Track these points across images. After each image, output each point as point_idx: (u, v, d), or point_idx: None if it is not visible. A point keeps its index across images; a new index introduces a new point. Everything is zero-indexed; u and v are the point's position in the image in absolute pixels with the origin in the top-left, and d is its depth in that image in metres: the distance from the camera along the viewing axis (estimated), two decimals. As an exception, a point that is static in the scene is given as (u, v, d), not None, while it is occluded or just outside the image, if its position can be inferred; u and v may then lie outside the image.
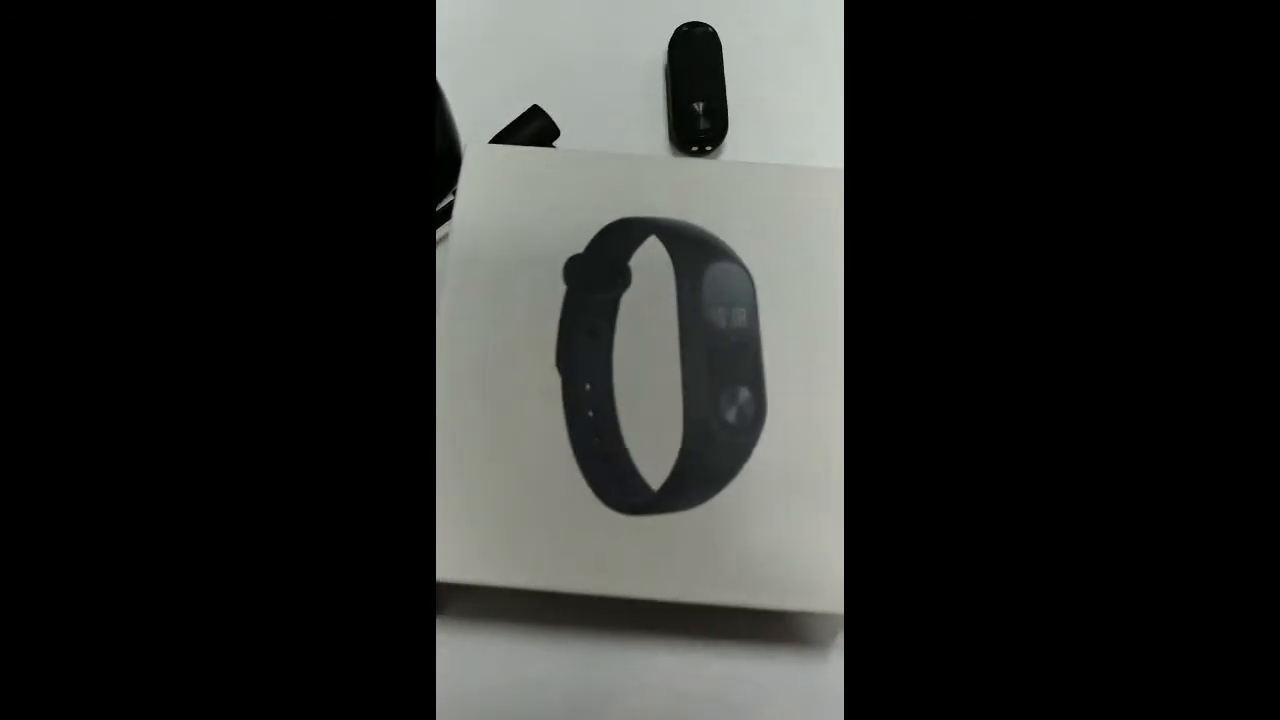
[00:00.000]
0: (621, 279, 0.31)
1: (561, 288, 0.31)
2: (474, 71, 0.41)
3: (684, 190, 0.32)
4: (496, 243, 0.31)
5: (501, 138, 0.38)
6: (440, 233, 0.36)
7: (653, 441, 0.29)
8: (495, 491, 0.29)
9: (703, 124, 0.39)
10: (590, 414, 0.29)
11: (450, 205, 0.33)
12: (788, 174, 0.32)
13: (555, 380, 0.30)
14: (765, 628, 0.34)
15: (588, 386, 0.30)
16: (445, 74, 0.37)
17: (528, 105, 0.39)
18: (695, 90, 0.39)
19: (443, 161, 0.36)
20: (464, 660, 0.33)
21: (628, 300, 0.31)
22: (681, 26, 0.41)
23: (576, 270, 0.31)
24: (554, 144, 0.39)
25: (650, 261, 0.31)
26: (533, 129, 0.37)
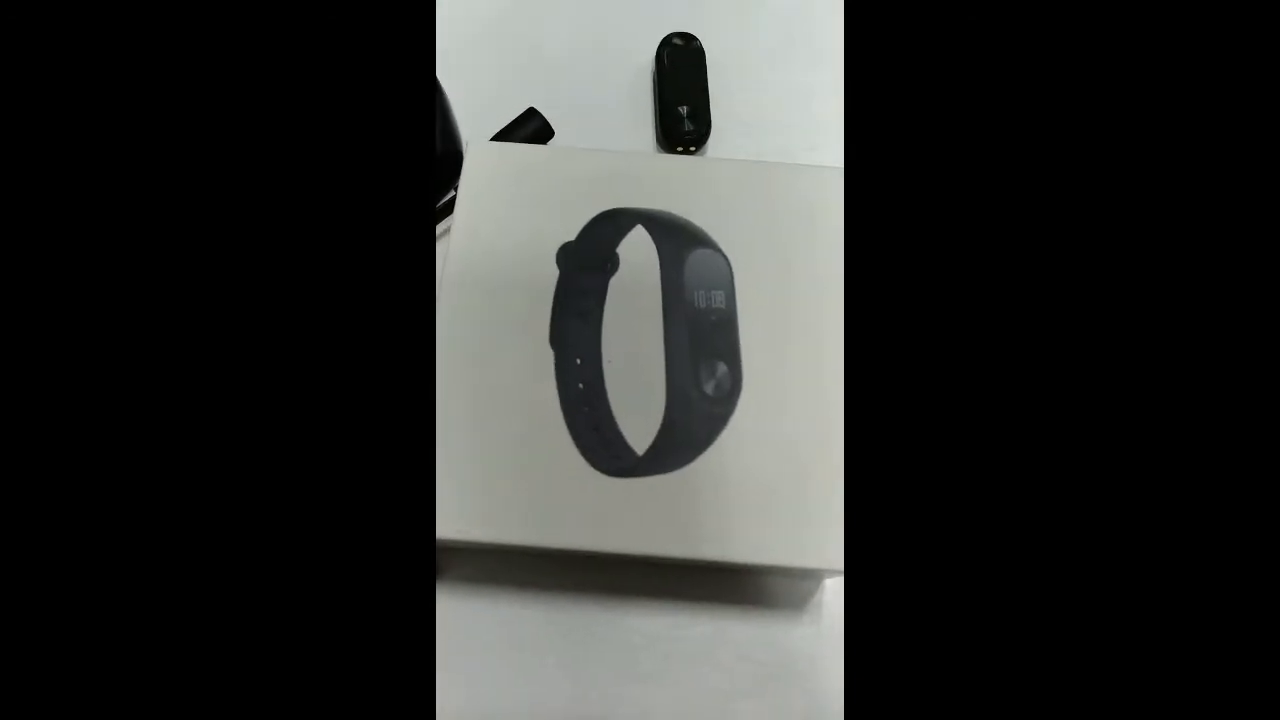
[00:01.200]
0: (610, 264, 0.34)
1: (555, 272, 0.33)
2: (474, 75, 0.44)
3: (669, 184, 0.35)
4: (497, 231, 0.34)
5: (500, 137, 0.40)
6: (446, 224, 0.39)
7: (638, 411, 0.32)
8: (493, 457, 0.31)
9: (687, 126, 0.42)
10: (580, 386, 0.32)
11: (454, 199, 0.35)
12: (764, 170, 0.35)
13: (549, 356, 0.32)
14: (746, 589, 0.36)
15: (578, 361, 0.32)
16: (448, 78, 0.40)
17: (525, 107, 0.41)
18: (680, 95, 0.42)
19: (446, 159, 0.38)
20: (455, 623, 0.35)
21: (616, 283, 0.33)
22: (668, 36, 0.44)
23: (568, 256, 0.34)
24: (549, 143, 0.41)
25: (637, 248, 0.34)
26: (530, 129, 0.40)
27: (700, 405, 0.32)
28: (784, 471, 0.31)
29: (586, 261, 0.34)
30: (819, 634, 0.36)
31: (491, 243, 0.34)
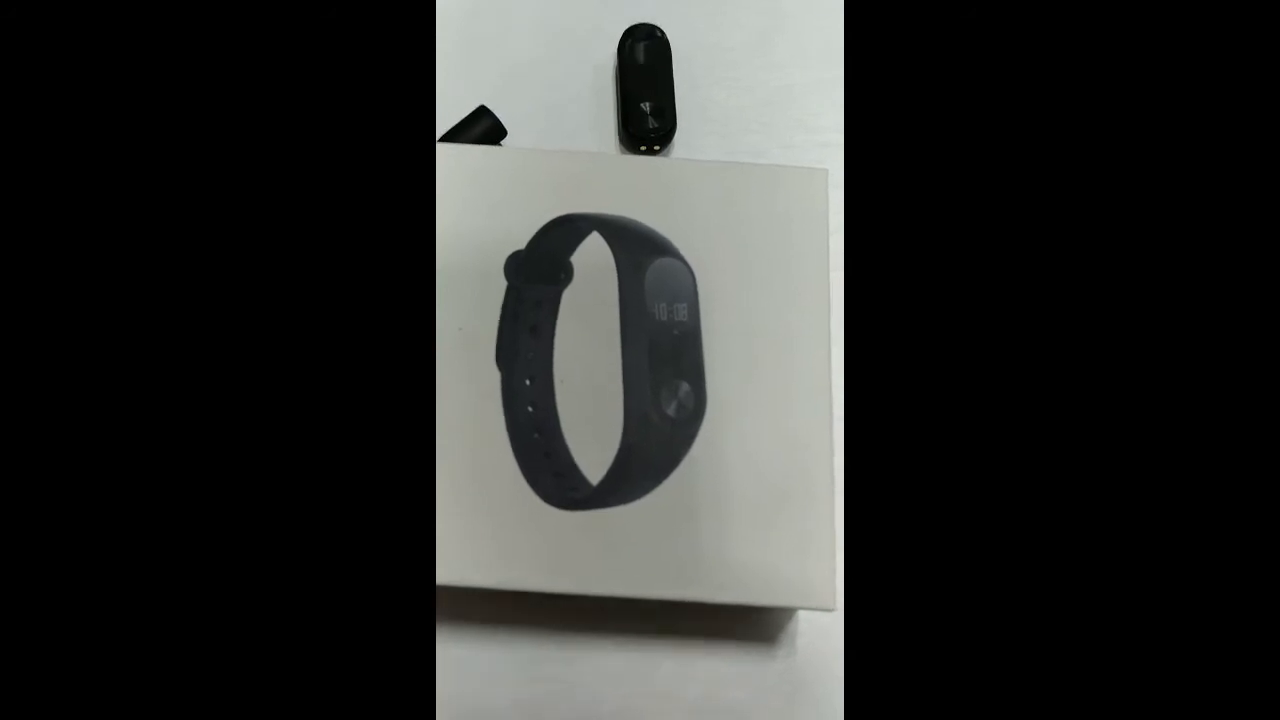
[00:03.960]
0: (563, 275, 0.31)
1: (503, 283, 0.31)
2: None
3: (628, 187, 0.32)
4: (440, 240, 0.31)
5: (448, 138, 0.38)
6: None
7: (593, 436, 0.29)
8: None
9: (651, 123, 0.39)
10: (530, 409, 0.29)
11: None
12: (732, 172, 0.33)
13: (495, 376, 0.30)
14: (714, 623, 0.34)
15: (528, 382, 0.30)
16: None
17: (475, 105, 0.39)
18: (643, 90, 0.40)
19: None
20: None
21: (569, 296, 0.31)
22: (632, 27, 0.41)
23: (518, 266, 0.31)
24: (501, 144, 0.39)
25: (592, 257, 0.31)
26: (480, 129, 0.38)
27: (661, 428, 0.29)
28: (757, 499, 0.29)
29: (537, 272, 0.31)
30: (793, 668, 0.34)
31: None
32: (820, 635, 0.34)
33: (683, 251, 0.31)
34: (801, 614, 0.34)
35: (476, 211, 0.32)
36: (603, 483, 0.29)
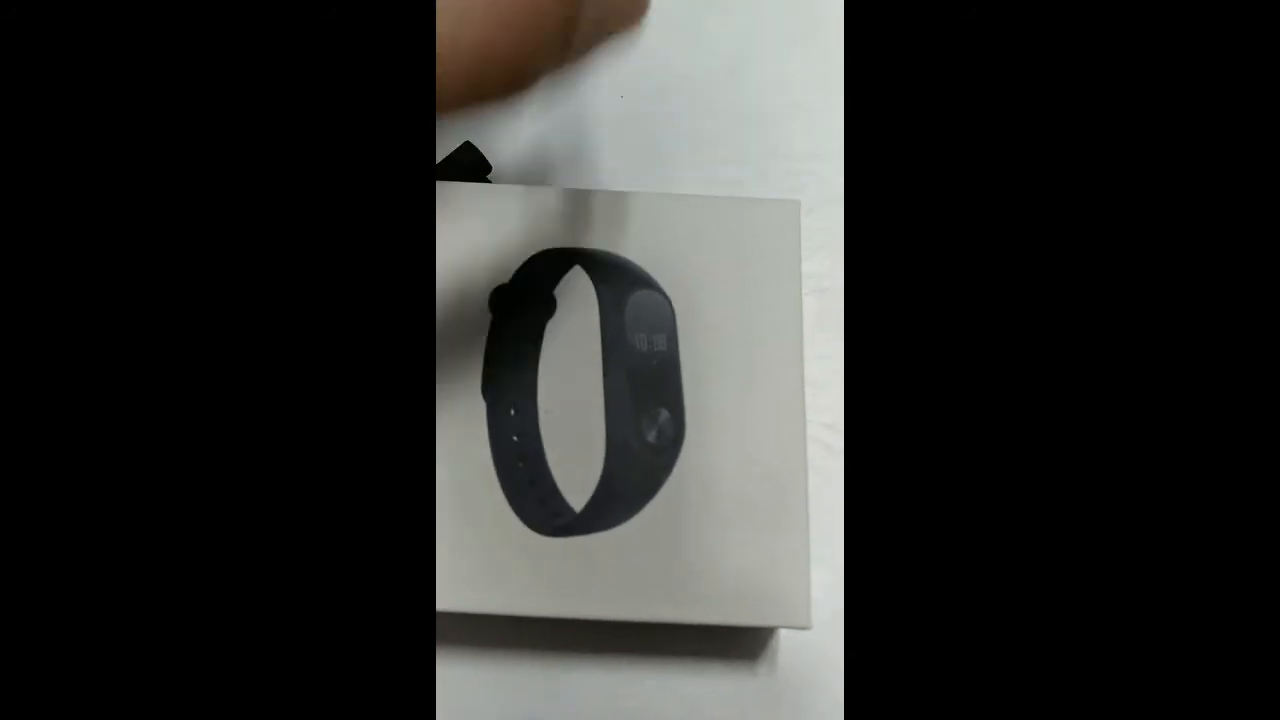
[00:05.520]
0: (547, 307, 0.32)
1: (488, 317, 0.32)
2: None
3: (609, 222, 0.33)
4: (426, 274, 0.32)
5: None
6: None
7: (577, 464, 0.30)
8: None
9: (631, 157, 0.40)
10: (515, 439, 0.30)
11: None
12: (707, 205, 0.34)
13: (480, 407, 0.31)
14: (694, 642, 0.35)
15: (512, 412, 0.31)
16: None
17: (460, 142, 0.40)
18: (624, 125, 0.41)
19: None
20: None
21: (552, 327, 0.32)
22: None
23: (502, 300, 0.32)
24: (487, 179, 0.40)
25: (574, 290, 0.32)
26: (465, 165, 0.39)
27: (642, 455, 0.30)
28: (734, 522, 0.30)
29: (522, 305, 0.32)
30: (774, 686, 0.35)
31: (421, 287, 0.32)
32: (800, 653, 0.35)
33: (661, 283, 0.33)
34: (782, 632, 0.35)
35: (463, 247, 0.33)
36: (586, 509, 0.30)
